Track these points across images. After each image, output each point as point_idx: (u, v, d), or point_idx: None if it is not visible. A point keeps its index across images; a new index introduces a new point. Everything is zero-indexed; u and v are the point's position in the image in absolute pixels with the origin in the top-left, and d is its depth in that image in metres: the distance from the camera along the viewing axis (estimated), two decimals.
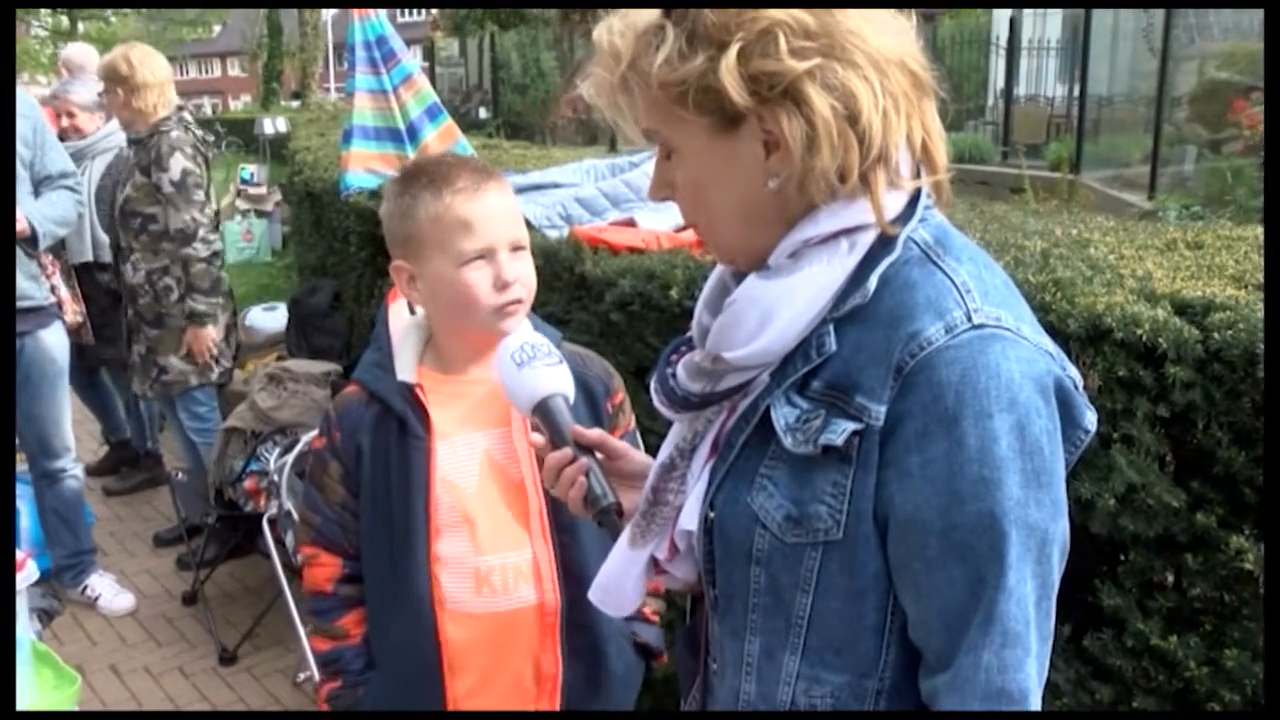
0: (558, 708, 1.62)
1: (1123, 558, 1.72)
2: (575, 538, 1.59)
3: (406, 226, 1.52)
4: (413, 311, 1.66)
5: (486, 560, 1.56)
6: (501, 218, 1.51)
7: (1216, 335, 1.57)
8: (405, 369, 1.58)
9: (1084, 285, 1.76)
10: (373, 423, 1.58)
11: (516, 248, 1.52)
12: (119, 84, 3.73)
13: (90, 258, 4.35)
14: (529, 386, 1.17)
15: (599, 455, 1.16)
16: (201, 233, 3.76)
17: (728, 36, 0.89)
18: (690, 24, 0.91)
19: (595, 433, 1.17)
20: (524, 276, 1.53)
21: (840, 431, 0.91)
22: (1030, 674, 0.92)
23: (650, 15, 0.94)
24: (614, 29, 0.96)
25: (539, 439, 1.18)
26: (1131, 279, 1.81)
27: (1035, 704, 0.93)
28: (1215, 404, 1.59)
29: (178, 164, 3.72)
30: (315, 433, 3.08)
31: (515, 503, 1.59)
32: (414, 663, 1.57)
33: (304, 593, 1.71)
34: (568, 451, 1.13)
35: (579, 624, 1.59)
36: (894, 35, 0.93)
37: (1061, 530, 0.93)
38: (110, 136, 4.36)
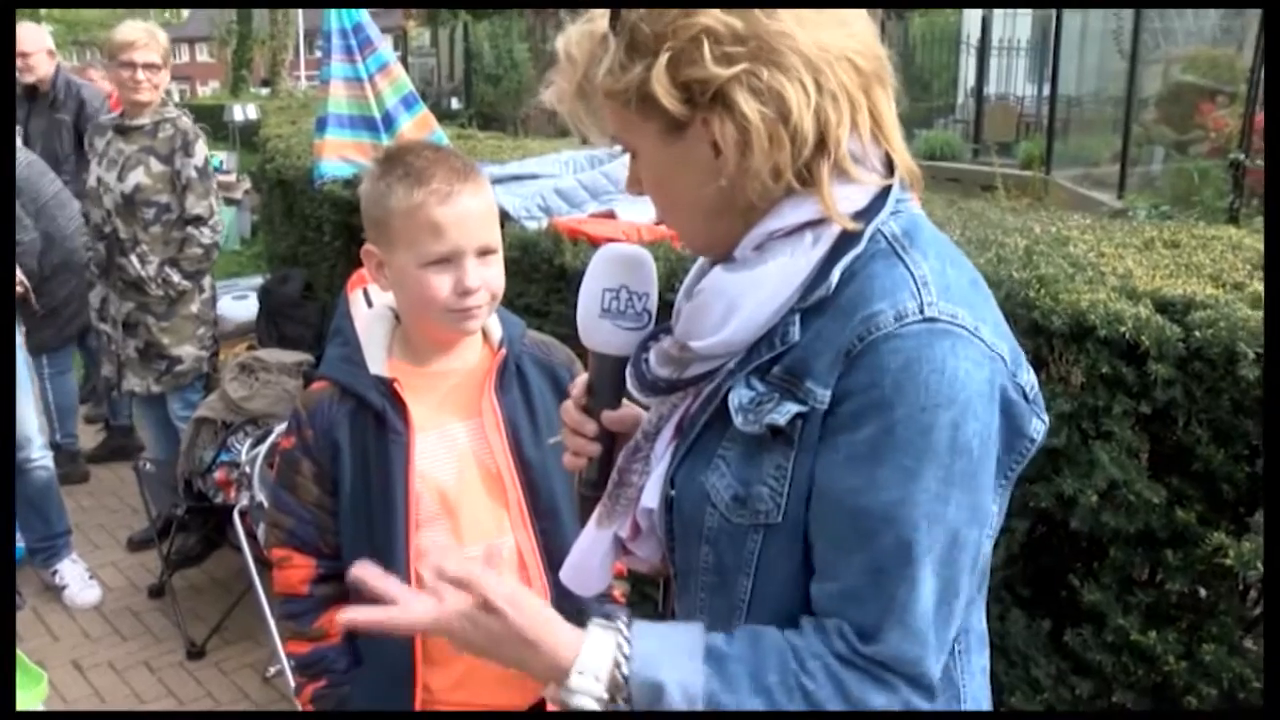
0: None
1: (1095, 552, 1.73)
2: (557, 524, 1.58)
3: (378, 214, 1.50)
4: (369, 305, 1.63)
5: (469, 552, 1.54)
6: (473, 222, 1.48)
7: (1197, 333, 1.59)
8: (376, 362, 1.55)
9: (1067, 282, 1.77)
10: (348, 419, 1.55)
11: (485, 251, 1.49)
12: (166, 66, 3.68)
13: None
14: (602, 337, 1.09)
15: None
16: (213, 220, 3.78)
17: (659, 46, 0.91)
18: (629, 34, 0.93)
19: (618, 418, 1.13)
20: (490, 280, 1.50)
21: (785, 413, 0.92)
22: (929, 670, 0.91)
23: (602, 24, 0.97)
24: (572, 38, 0.99)
25: (578, 389, 1.13)
26: (1113, 276, 1.83)
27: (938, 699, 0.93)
28: (1195, 401, 1.60)
29: (201, 150, 3.73)
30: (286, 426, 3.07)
31: (494, 494, 1.57)
32: (393, 657, 1.56)
33: (276, 596, 1.68)
34: (594, 426, 1.12)
35: (568, 614, 1.57)
36: (834, 31, 0.93)
37: (975, 539, 0.92)
38: None
